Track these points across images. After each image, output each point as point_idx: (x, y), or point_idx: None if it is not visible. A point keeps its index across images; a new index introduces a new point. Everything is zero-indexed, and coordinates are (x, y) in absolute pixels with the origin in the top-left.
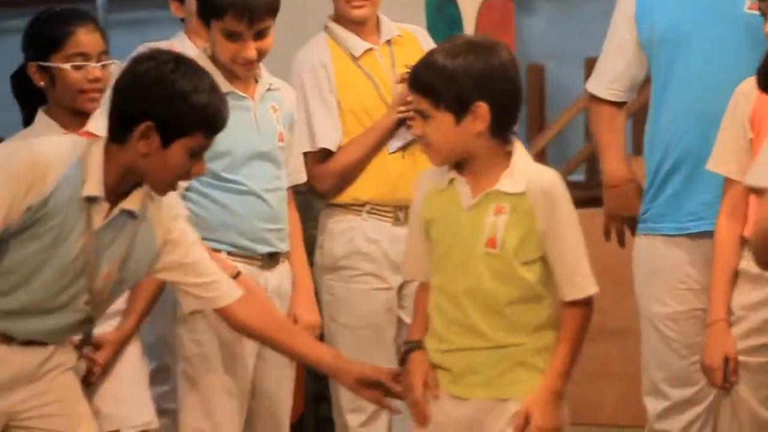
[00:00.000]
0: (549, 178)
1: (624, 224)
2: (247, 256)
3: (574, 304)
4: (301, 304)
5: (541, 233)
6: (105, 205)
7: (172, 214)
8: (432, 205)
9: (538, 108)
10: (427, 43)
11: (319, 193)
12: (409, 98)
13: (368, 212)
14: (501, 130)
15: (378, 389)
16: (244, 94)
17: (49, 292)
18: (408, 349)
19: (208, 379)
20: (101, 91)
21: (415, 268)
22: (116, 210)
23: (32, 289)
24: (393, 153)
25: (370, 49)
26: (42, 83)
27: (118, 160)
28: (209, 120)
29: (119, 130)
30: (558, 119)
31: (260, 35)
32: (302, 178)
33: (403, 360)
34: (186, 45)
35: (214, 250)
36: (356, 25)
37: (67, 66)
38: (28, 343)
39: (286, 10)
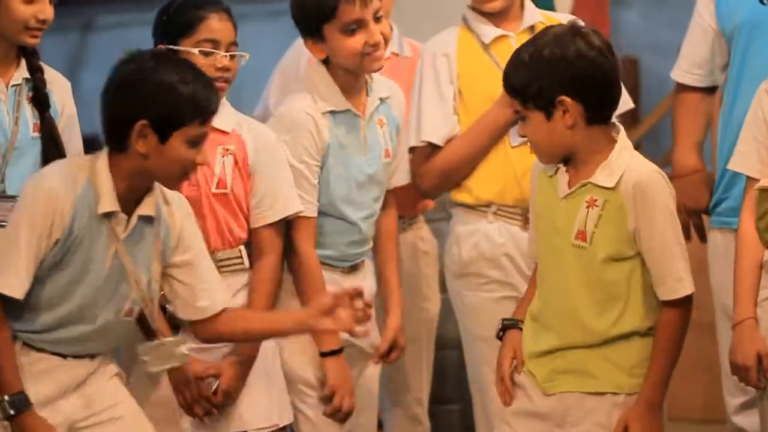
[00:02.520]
0: (645, 173)
1: (690, 216)
2: (329, 265)
3: (670, 304)
4: (401, 332)
5: (633, 231)
6: (123, 217)
7: (184, 212)
8: (540, 190)
9: (632, 101)
10: None
11: (422, 191)
12: None
13: (494, 214)
14: (597, 117)
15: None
16: (357, 112)
17: (89, 310)
18: (505, 325)
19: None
20: (227, 81)
21: (533, 249)
22: (134, 218)
23: (72, 311)
24: (516, 147)
25: (504, 36)
26: None
27: (123, 168)
28: (200, 107)
29: (117, 138)
30: (653, 112)
31: (377, 18)
32: (406, 179)
33: (499, 335)
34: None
35: None
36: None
37: (195, 51)
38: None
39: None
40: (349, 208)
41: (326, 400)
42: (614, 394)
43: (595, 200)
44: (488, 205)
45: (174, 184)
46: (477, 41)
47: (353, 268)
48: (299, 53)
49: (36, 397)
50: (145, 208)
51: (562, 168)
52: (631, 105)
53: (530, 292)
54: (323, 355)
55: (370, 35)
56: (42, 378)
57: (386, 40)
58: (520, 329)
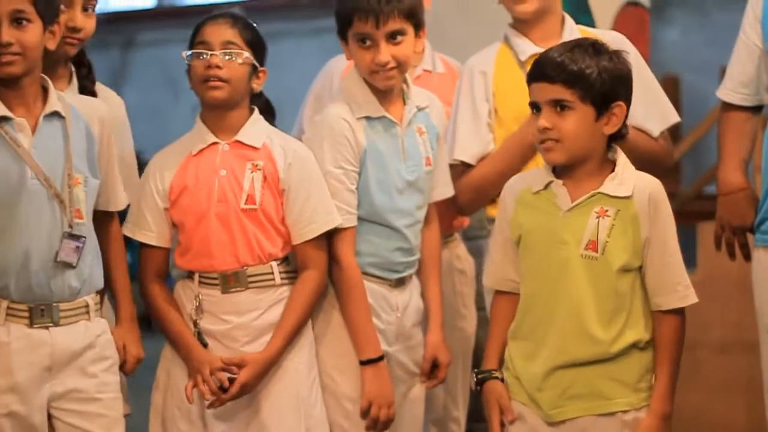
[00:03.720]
0: (654, 183)
1: (735, 234)
2: (378, 277)
3: (671, 314)
4: (441, 348)
5: (645, 240)
6: (23, 122)
7: (101, 118)
8: (526, 208)
9: None
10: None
11: (457, 207)
12: None
13: None
14: (618, 135)
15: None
16: (394, 119)
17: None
18: (480, 379)
19: None
20: (223, 80)
21: (500, 275)
22: (41, 120)
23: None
24: None
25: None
26: None
27: None
28: None
29: None
30: (693, 130)
31: (393, 39)
32: (449, 192)
33: (476, 388)
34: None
35: None
36: (528, 27)
37: (186, 54)
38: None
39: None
40: (391, 215)
41: (365, 412)
42: (624, 411)
43: (606, 210)
44: None
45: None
46: (515, 58)
47: (400, 282)
48: (331, 74)
49: None
50: (49, 107)
51: (557, 182)
52: (677, 118)
53: (496, 330)
54: (363, 363)
55: (378, 54)
56: None
57: (402, 64)
58: (496, 378)
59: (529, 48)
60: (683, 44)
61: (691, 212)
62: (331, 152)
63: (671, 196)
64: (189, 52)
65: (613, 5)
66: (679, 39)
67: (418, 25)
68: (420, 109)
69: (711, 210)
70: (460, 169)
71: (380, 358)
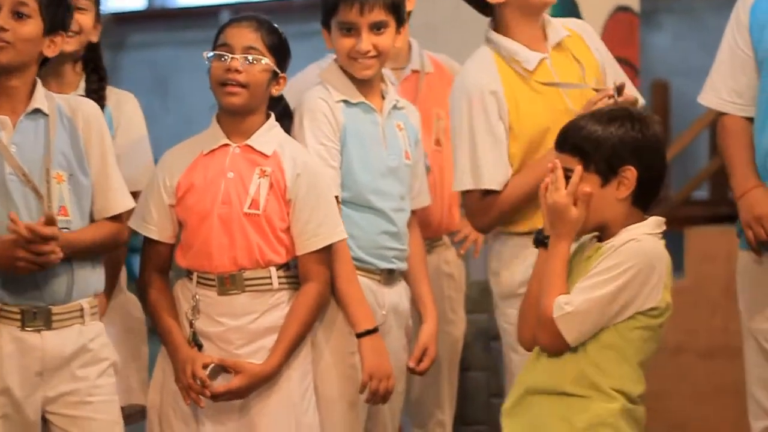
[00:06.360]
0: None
1: (764, 227)
2: (367, 269)
3: None
4: (434, 342)
5: None
6: (5, 120)
7: (85, 116)
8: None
9: (662, 124)
10: (592, 41)
11: (478, 228)
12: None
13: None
14: (643, 200)
15: None
16: (373, 106)
17: None
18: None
19: None
20: (242, 85)
21: None
22: (22, 117)
23: None
24: None
25: (542, 60)
26: None
27: None
28: None
29: None
30: (683, 135)
31: (376, 29)
32: (426, 201)
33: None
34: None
35: None
36: (514, 30)
37: (208, 55)
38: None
39: None
40: (375, 195)
41: (364, 386)
42: None
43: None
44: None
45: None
46: (518, 68)
47: (390, 277)
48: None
49: None
50: (34, 104)
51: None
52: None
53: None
54: (359, 336)
55: (359, 42)
56: None
57: (381, 54)
58: None
59: (532, 55)
60: (673, 50)
61: (679, 217)
62: (311, 129)
63: (658, 201)
64: (210, 53)
65: (603, 10)
66: (669, 44)
67: (400, 21)
68: (398, 108)
69: (699, 215)
70: (482, 192)
71: (376, 330)
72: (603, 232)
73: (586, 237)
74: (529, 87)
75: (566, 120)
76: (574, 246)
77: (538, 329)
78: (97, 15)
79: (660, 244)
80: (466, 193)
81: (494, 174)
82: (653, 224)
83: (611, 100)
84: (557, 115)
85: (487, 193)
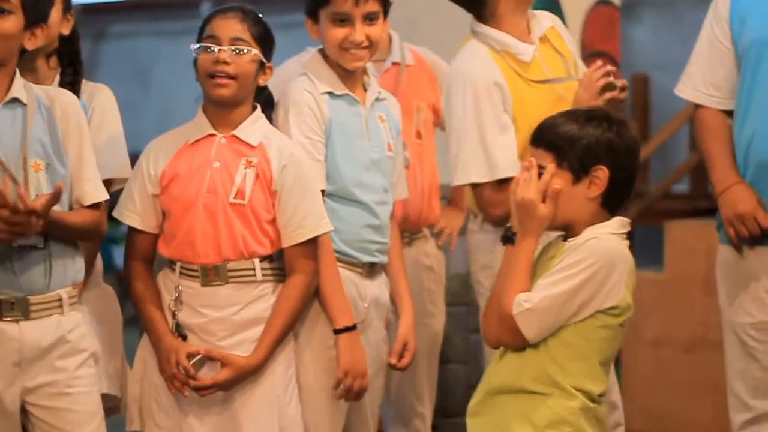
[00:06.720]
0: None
1: (745, 224)
2: (349, 263)
3: None
4: (412, 335)
5: None
6: None
7: (63, 106)
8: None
9: (642, 118)
10: (564, 33)
11: (494, 219)
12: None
13: None
14: (612, 202)
15: None
16: (357, 98)
17: None
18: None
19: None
20: (231, 77)
21: None
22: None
23: None
24: None
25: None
26: None
27: None
28: None
29: None
30: (662, 129)
31: (369, 20)
32: (404, 193)
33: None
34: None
35: None
36: (502, 22)
37: (194, 47)
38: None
39: None
40: (359, 189)
41: (339, 382)
42: None
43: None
44: None
45: None
46: (507, 61)
47: (371, 269)
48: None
49: None
50: (11, 93)
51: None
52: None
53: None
54: (337, 332)
55: (353, 33)
56: None
57: (373, 44)
58: None
59: (524, 47)
60: (653, 43)
61: (658, 211)
62: (296, 123)
63: (639, 195)
64: (197, 45)
65: (583, 4)
66: (650, 38)
67: (386, 12)
68: (379, 100)
69: (678, 209)
70: (496, 183)
71: (354, 327)
72: (569, 231)
73: (552, 236)
74: (522, 79)
75: (560, 109)
76: (540, 246)
77: (500, 326)
78: (67, 7)
79: (623, 244)
80: (474, 187)
81: (508, 162)
82: (617, 224)
83: (610, 77)
84: (552, 106)
85: (501, 183)
